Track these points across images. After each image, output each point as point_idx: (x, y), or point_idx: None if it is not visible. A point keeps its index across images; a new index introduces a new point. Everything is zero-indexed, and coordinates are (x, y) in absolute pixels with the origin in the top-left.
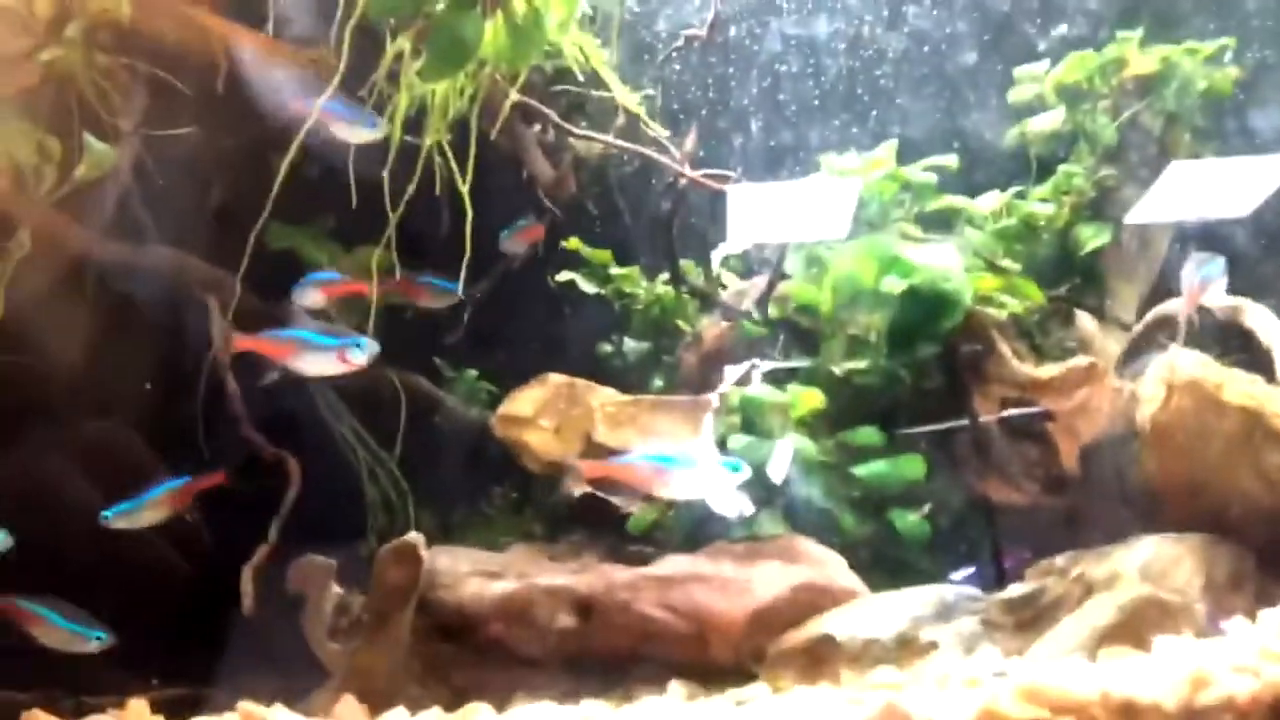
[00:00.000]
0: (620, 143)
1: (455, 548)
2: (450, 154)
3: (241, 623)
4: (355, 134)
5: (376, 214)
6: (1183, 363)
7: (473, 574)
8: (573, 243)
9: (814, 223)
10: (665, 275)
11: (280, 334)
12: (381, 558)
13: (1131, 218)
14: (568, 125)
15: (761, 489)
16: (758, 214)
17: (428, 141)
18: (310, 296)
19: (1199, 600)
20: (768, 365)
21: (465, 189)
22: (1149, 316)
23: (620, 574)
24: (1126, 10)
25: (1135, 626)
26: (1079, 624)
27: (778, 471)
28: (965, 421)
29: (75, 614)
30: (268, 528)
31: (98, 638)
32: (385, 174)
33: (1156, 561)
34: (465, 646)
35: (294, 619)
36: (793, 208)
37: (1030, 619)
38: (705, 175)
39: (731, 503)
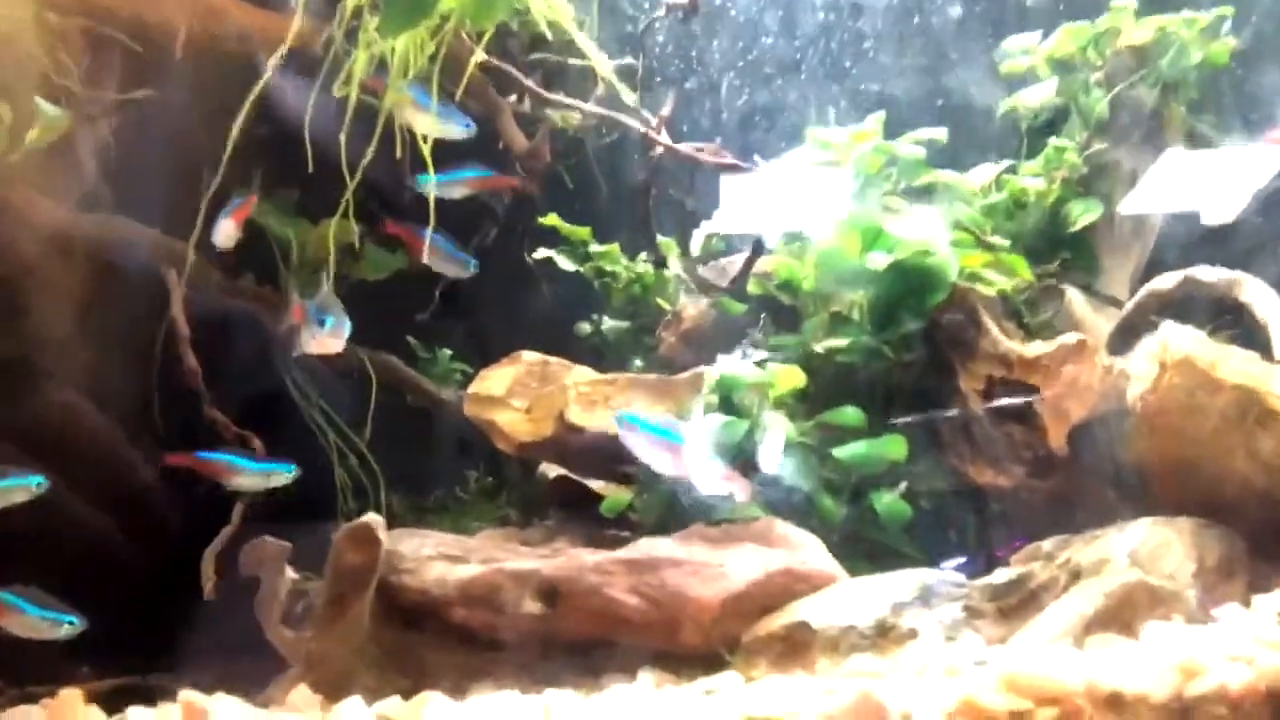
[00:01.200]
0: (594, 108)
1: (419, 530)
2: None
3: (197, 608)
4: (446, 131)
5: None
6: (1176, 339)
7: (436, 557)
8: (551, 219)
9: (807, 213)
10: (645, 253)
11: None
12: (338, 540)
13: (1125, 208)
14: (540, 90)
15: (739, 470)
16: (750, 203)
17: (388, 102)
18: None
19: (1190, 586)
20: (760, 355)
21: (428, 152)
22: (1142, 292)
23: (589, 558)
24: None
25: (1123, 613)
26: (1065, 610)
27: (769, 461)
28: (955, 411)
29: (43, 599)
30: (230, 509)
31: (69, 623)
32: (342, 137)
33: (1146, 546)
34: (428, 633)
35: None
36: (786, 197)
37: (1015, 606)
38: (687, 147)
39: (723, 488)
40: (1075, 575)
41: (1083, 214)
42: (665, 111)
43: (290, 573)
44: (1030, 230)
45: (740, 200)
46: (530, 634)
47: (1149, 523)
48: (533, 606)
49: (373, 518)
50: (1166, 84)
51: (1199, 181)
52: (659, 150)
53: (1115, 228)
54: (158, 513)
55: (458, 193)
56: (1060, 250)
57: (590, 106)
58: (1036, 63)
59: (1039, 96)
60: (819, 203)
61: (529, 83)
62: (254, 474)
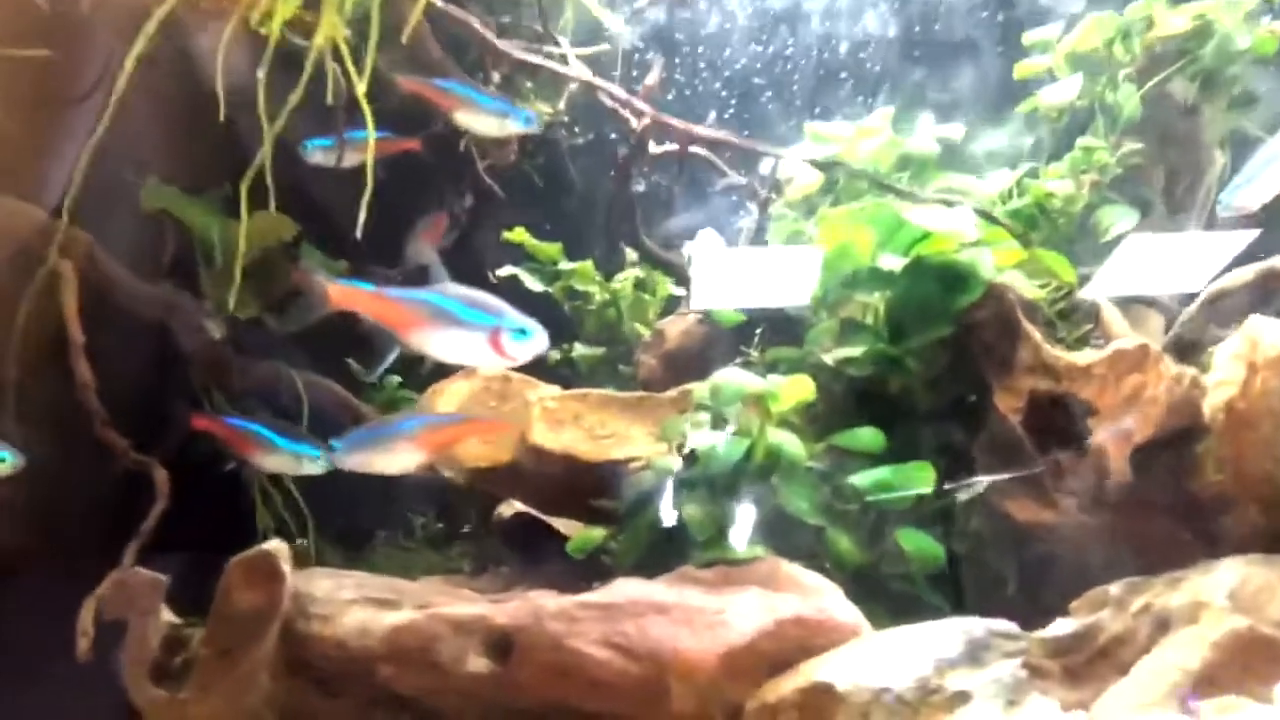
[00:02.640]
0: (564, 69)
1: (338, 570)
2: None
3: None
4: (506, 128)
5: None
6: (1270, 334)
7: (357, 601)
8: (517, 233)
9: (778, 290)
10: (622, 273)
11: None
12: (228, 574)
13: (1087, 293)
14: (497, 42)
15: (734, 501)
16: (721, 280)
17: (318, 41)
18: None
19: None
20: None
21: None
22: (1208, 290)
23: (551, 602)
24: None
25: (1234, 669)
26: (1160, 667)
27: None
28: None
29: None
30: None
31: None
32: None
33: (1247, 588)
34: (344, 697)
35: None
36: (757, 275)
37: (1085, 662)
38: (676, 121)
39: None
40: (1162, 625)
41: (1116, 220)
42: (651, 80)
43: (167, 615)
44: (1058, 239)
45: (713, 278)
46: (475, 699)
47: (1243, 561)
48: (479, 663)
49: (274, 546)
50: (1207, 77)
51: (1161, 265)
52: (644, 121)
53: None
54: None
55: (352, 160)
56: (1091, 260)
57: (559, 66)
58: (1056, 60)
59: (1062, 95)
60: (790, 277)
61: (491, 36)
62: (285, 454)
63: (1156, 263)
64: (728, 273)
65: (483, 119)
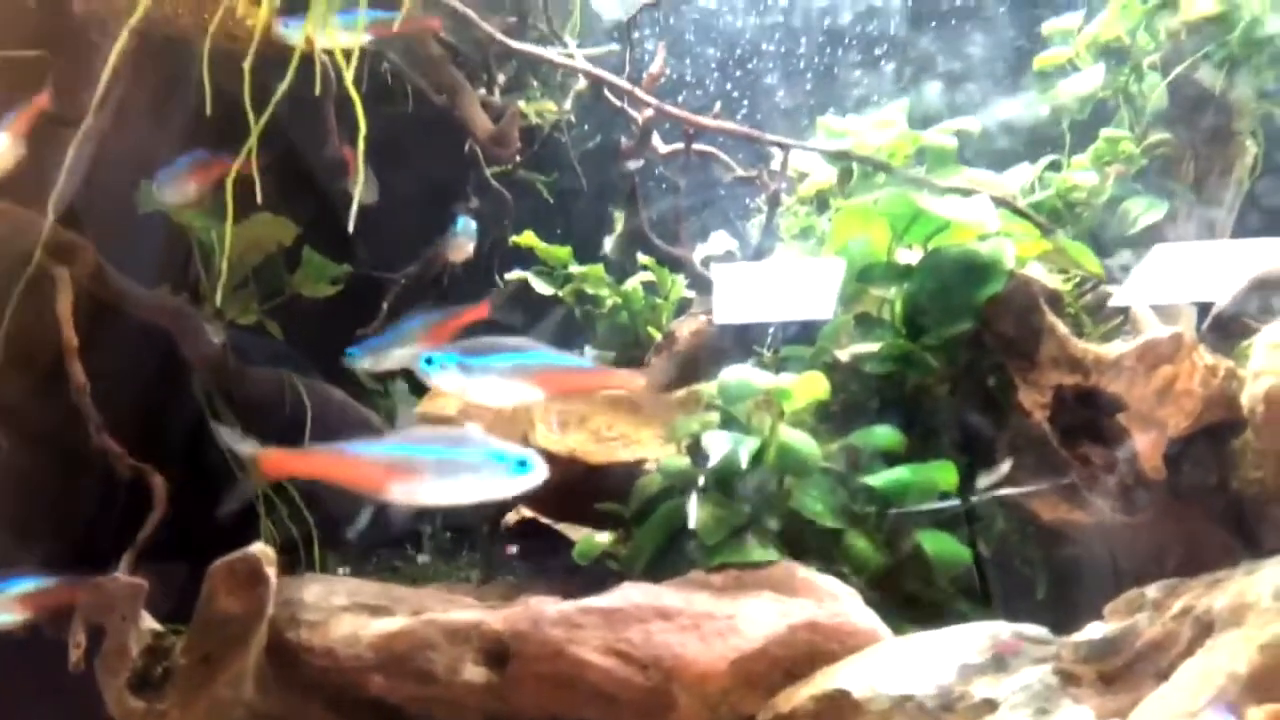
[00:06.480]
0: (572, 63)
1: (330, 576)
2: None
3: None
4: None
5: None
6: None
7: (348, 608)
8: (525, 238)
9: (800, 302)
10: (632, 275)
11: None
12: (210, 579)
13: (1115, 300)
14: (504, 38)
15: (746, 504)
16: (743, 293)
17: (306, 29)
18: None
19: None
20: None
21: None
22: (1249, 279)
23: (550, 607)
24: None
25: None
26: (1204, 672)
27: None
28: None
29: None
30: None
31: None
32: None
33: None
34: (336, 707)
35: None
36: (778, 288)
37: (1120, 668)
38: (682, 111)
39: None
40: (1205, 628)
41: (1145, 212)
42: (655, 69)
43: (149, 622)
44: (1082, 232)
45: (733, 290)
46: (471, 709)
47: None
48: (475, 672)
49: (259, 549)
50: (1235, 64)
51: (1189, 274)
52: (648, 112)
53: (1179, 226)
54: None
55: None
56: (1115, 254)
57: (569, 62)
58: (1078, 49)
59: (1084, 85)
60: (812, 290)
61: (490, 28)
62: None
63: (1184, 272)
64: (748, 287)
65: None
